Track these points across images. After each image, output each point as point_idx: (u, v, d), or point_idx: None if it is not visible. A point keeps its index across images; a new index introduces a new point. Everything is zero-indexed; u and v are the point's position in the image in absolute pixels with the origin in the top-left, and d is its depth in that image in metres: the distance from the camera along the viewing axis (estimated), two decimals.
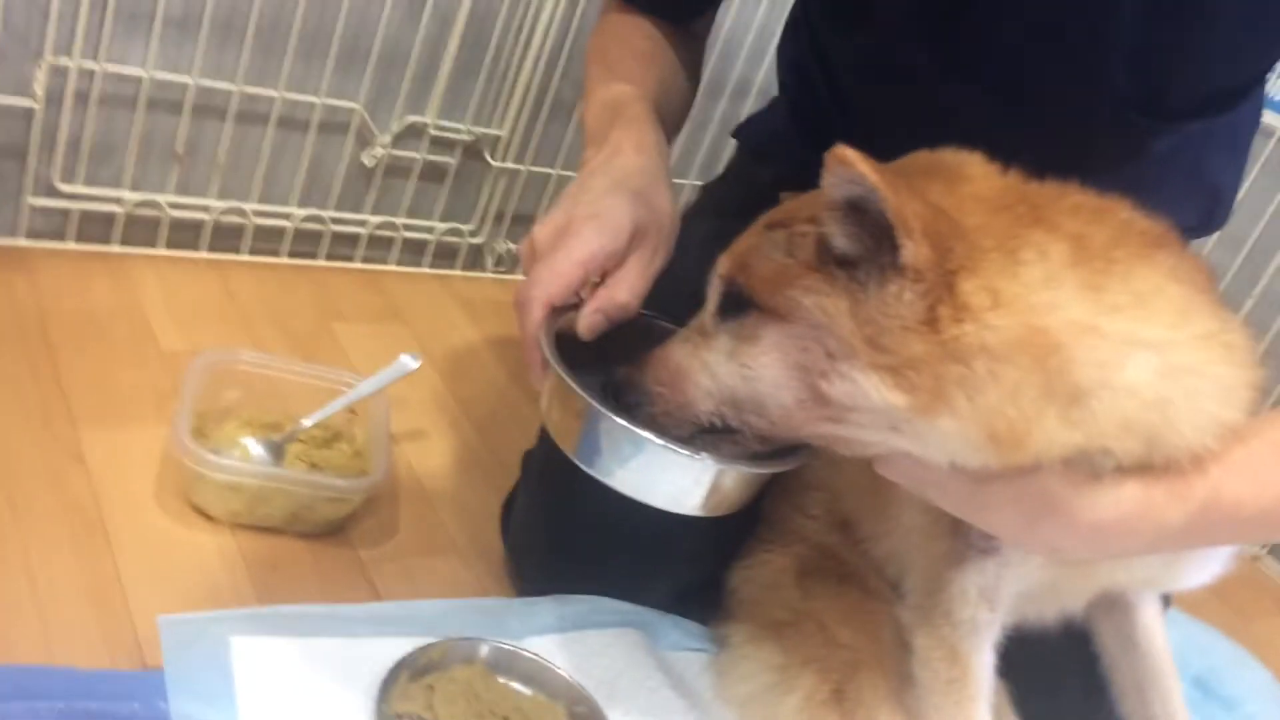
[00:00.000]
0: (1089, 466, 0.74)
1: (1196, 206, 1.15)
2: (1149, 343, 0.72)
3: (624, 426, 0.79)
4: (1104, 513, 0.74)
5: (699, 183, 1.82)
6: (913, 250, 0.70)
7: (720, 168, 1.84)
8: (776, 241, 0.78)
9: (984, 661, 0.91)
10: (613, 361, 0.85)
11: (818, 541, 1.08)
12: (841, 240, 0.74)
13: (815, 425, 0.78)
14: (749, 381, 0.78)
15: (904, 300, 0.71)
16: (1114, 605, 0.97)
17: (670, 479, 0.80)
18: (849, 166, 0.69)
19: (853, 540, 1.06)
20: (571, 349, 0.87)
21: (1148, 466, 0.74)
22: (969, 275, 0.71)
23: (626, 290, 0.89)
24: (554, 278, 0.87)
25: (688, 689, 1.02)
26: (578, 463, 0.83)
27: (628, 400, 0.82)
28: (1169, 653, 0.96)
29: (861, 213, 0.72)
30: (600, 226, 0.89)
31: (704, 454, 0.79)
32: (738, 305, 0.78)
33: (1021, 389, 0.70)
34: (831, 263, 0.74)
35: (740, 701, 1.02)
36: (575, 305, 0.88)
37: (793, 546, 1.09)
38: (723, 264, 0.81)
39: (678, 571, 1.10)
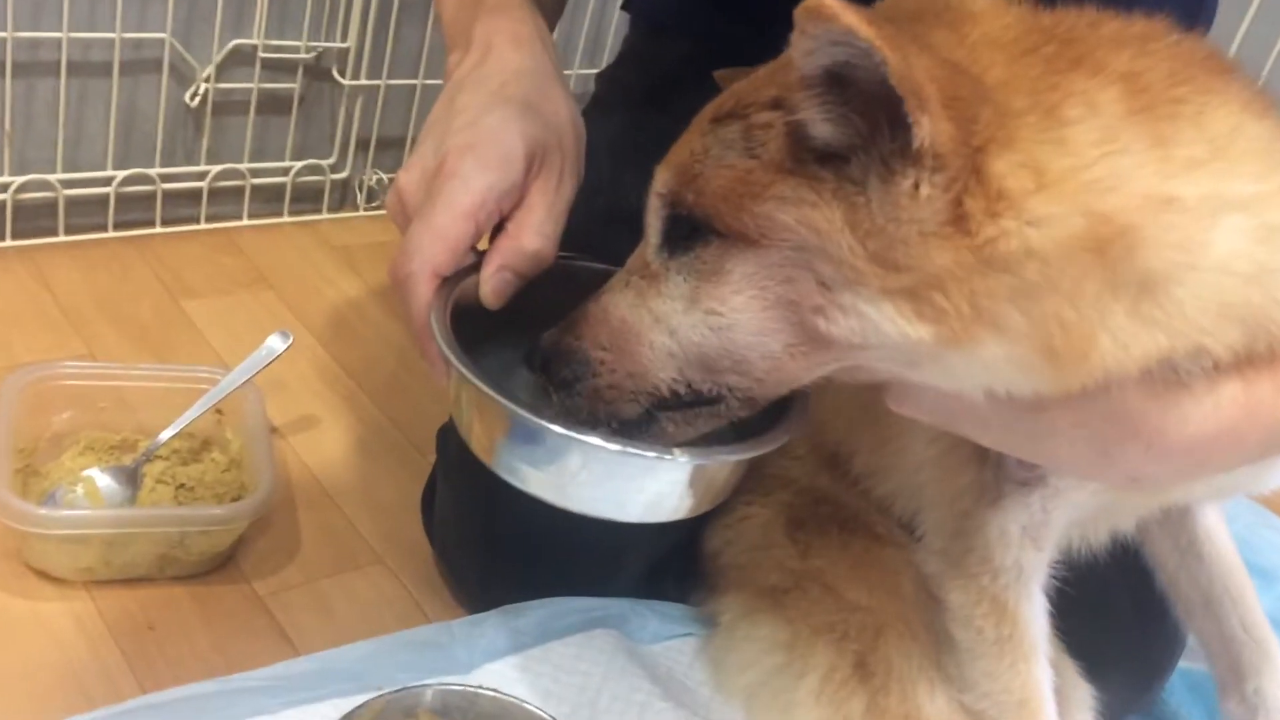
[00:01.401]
0: (1173, 372, 0.57)
1: (1181, 3, 0.97)
2: (1237, 201, 0.55)
3: (565, 435, 0.60)
4: (1200, 426, 0.58)
5: (587, 72, 1.60)
6: (930, 127, 0.51)
7: (607, 52, 1.63)
8: (730, 140, 0.58)
9: (1035, 610, 0.76)
10: (536, 323, 0.66)
11: (806, 485, 0.91)
12: (824, 127, 0.55)
13: (814, 372, 0.60)
14: (721, 333, 0.59)
15: (921, 197, 0.53)
16: (1168, 513, 0.82)
17: (639, 488, 0.62)
18: (831, 21, 0.50)
19: (848, 479, 0.88)
20: (481, 318, 0.68)
21: (1244, 358, 0.58)
22: (1001, 150, 0.53)
23: (534, 234, 0.70)
24: (435, 240, 0.67)
25: (680, 688, 0.86)
26: (511, 483, 0.63)
27: (560, 375, 0.63)
28: (1238, 558, 0.81)
29: (846, 86, 0.54)
30: (483, 159, 0.69)
31: (676, 450, 0.60)
32: (690, 232, 0.60)
33: (1083, 290, 0.53)
34: (811, 160, 0.56)
35: (746, 692, 0.86)
36: (474, 265, 0.68)
37: (777, 494, 0.92)
38: (662, 179, 0.61)
39: (645, 547, 0.92)
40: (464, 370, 0.62)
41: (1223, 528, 0.82)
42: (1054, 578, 0.77)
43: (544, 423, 0.60)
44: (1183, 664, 0.94)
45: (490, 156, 0.69)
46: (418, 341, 0.68)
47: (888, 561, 0.86)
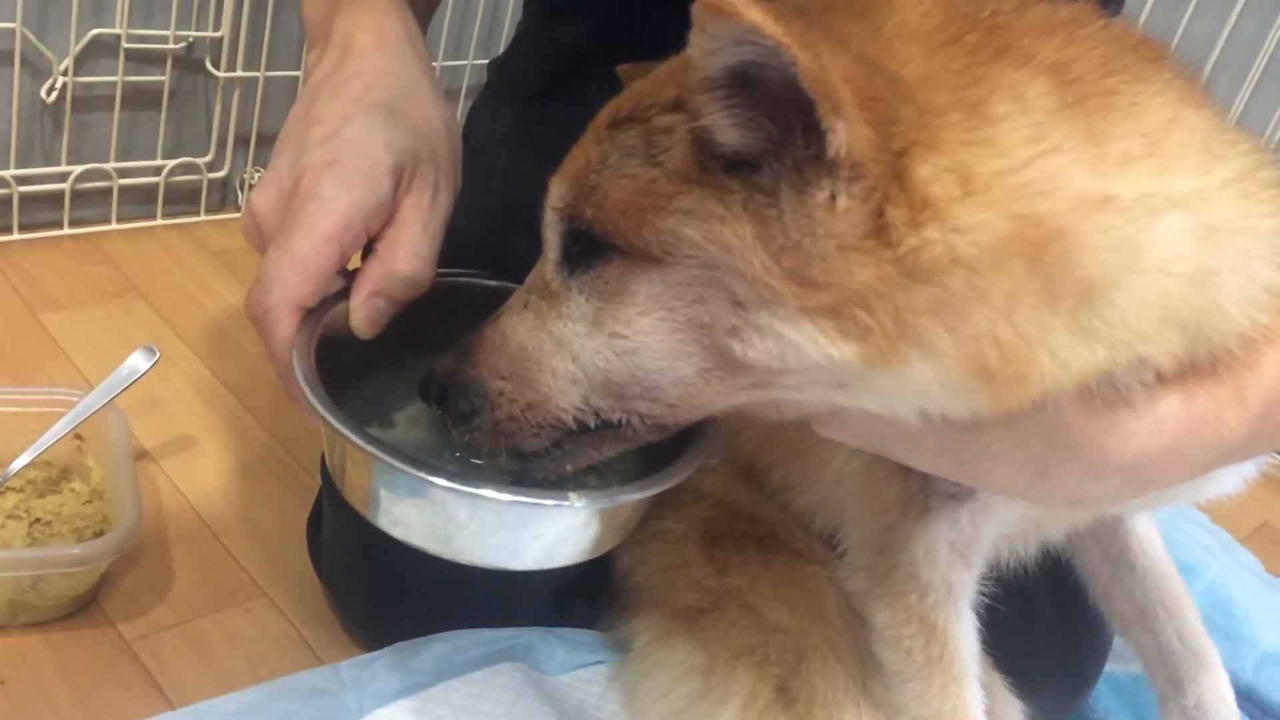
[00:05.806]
0: (1112, 388, 0.54)
1: None
2: (1176, 198, 0.51)
3: (450, 488, 0.54)
4: (1143, 444, 0.55)
5: (482, 62, 1.52)
6: (846, 133, 0.47)
7: (503, 43, 1.55)
8: (630, 146, 0.53)
9: (965, 629, 0.73)
10: (417, 346, 0.60)
11: (721, 498, 0.86)
12: (731, 133, 0.50)
13: (731, 397, 0.56)
14: (627, 358, 0.54)
15: (838, 210, 0.49)
16: (1099, 524, 0.79)
17: (534, 535, 0.57)
18: (733, 18, 0.45)
19: (765, 492, 0.84)
20: (355, 344, 0.62)
21: (1187, 367, 0.54)
22: (925, 153, 0.49)
23: (408, 255, 0.63)
24: (295, 270, 0.60)
25: None
26: (394, 535, 0.57)
27: (457, 408, 0.57)
28: (1173, 568, 0.79)
29: (755, 86, 0.49)
30: (346, 175, 0.62)
31: (573, 495, 0.56)
32: (590, 249, 0.55)
33: (1018, 304, 0.49)
34: (719, 169, 0.51)
35: None
36: (343, 290, 0.62)
37: (691, 508, 0.87)
38: (557, 191, 0.55)
39: (548, 573, 0.85)
40: (333, 421, 0.56)
41: (1155, 536, 0.80)
42: (982, 593, 0.74)
43: (425, 475, 0.54)
44: (1107, 667, 0.92)
45: (353, 172, 0.63)
46: (282, 382, 0.61)
47: (810, 579, 0.81)
